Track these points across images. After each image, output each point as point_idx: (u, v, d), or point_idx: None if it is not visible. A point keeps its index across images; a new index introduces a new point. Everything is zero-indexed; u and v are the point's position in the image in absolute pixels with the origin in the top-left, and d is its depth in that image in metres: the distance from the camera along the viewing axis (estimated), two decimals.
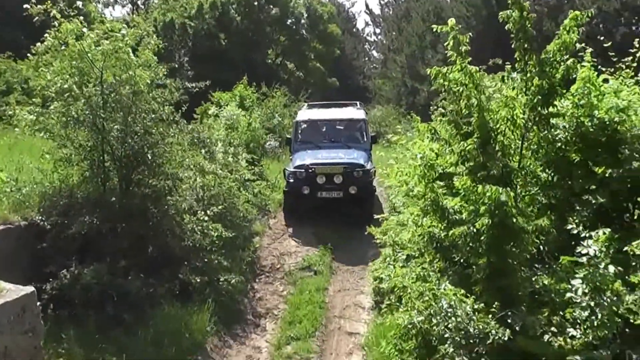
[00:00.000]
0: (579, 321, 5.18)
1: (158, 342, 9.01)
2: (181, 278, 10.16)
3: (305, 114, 17.85)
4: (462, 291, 5.57)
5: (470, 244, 5.83)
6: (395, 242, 8.76)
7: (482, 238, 5.71)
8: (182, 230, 10.58)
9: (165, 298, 9.81)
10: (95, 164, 9.92)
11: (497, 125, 5.93)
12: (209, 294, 10.50)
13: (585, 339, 5.13)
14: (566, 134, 6.40)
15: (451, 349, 5.29)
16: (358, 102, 19.35)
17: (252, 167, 16.06)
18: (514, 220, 5.52)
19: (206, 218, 11.12)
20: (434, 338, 5.75)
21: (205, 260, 10.90)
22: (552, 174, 6.53)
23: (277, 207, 16.89)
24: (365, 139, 16.74)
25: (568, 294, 5.17)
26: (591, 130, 6.45)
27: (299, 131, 17.11)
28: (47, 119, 9.88)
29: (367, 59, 69.79)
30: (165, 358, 8.91)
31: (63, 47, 9.75)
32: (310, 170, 15.02)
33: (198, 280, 10.34)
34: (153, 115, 10.16)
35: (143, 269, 9.63)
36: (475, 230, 5.69)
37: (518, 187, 6.09)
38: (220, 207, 11.80)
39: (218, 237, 11.29)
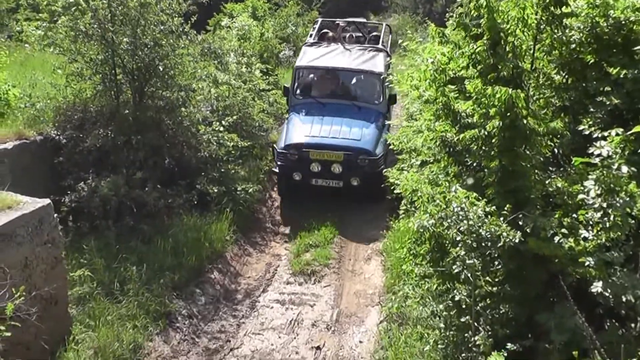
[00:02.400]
0: (591, 223, 5.14)
1: (177, 252, 9.22)
2: (199, 189, 10.31)
3: (309, 55, 13.93)
4: (475, 194, 5.55)
5: (483, 147, 5.75)
6: (410, 148, 8.72)
7: (494, 141, 5.63)
8: (198, 141, 10.63)
9: (184, 208, 9.97)
10: (107, 78, 9.87)
11: (508, 26, 5.73)
12: (227, 204, 10.65)
13: (598, 241, 5.11)
14: (580, 34, 6.19)
15: (462, 252, 5.32)
16: (383, 48, 14.59)
17: (267, 77, 15.74)
18: (525, 121, 5.42)
19: (221, 128, 11.16)
20: (447, 242, 5.78)
21: (222, 170, 11.00)
22: (566, 76, 6.36)
23: None
24: (382, 99, 13.07)
25: (580, 196, 5.11)
26: (606, 30, 6.24)
27: (299, 81, 13.47)
28: (55, 33, 9.84)
29: None
30: (185, 266, 9.13)
31: None
32: (303, 151, 11.88)
33: (215, 190, 10.46)
34: (162, 27, 10.00)
35: (160, 181, 9.76)
36: (486, 133, 5.60)
37: (530, 89, 5.95)
38: (235, 117, 11.80)
39: (234, 147, 11.35)
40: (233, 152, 11.46)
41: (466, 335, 5.50)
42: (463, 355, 5.56)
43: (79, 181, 9.08)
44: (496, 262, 5.72)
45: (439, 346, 5.92)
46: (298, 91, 13.34)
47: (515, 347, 5.30)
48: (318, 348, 8.10)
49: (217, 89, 12.12)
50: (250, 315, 8.91)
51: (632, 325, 5.38)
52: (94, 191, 8.98)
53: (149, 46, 9.80)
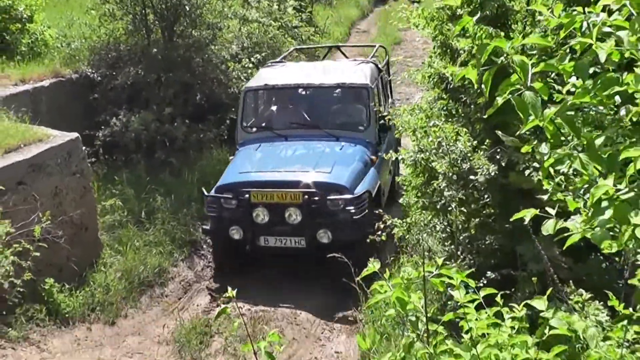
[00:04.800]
0: None
1: (204, 184, 9.71)
2: (228, 124, 10.69)
3: (264, 75, 9.69)
4: (464, 129, 5.79)
5: (477, 84, 5.94)
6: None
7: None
8: (228, 78, 10.98)
9: (214, 143, 10.46)
10: (137, 18, 10.30)
11: None
12: None
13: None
14: None
15: (443, 184, 5.64)
16: (372, 61, 10.20)
17: (300, 14, 15.85)
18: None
19: (250, 65, 11.45)
20: (437, 174, 6.07)
21: None
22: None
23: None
24: (369, 124, 8.84)
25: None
26: None
27: (247, 109, 9.40)
28: None
29: None
30: None
31: None
32: (242, 193, 7.88)
33: None
34: None
35: (190, 117, 10.23)
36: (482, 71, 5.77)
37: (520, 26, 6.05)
38: (264, 54, 12.08)
39: None
40: None
41: (447, 263, 5.83)
42: None
43: (113, 117, 9.65)
44: (485, 195, 5.99)
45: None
46: (248, 122, 9.33)
47: (494, 276, 5.62)
48: None
49: (248, 27, 12.38)
50: None
51: (617, 259, 5.61)
52: (126, 126, 9.54)
53: None
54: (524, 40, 2.32)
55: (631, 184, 1.99)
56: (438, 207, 5.83)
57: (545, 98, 2.35)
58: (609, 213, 2.05)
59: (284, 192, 7.77)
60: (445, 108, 6.58)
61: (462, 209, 5.71)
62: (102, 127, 9.55)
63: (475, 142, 5.67)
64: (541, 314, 2.48)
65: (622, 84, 2.19)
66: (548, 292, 3.02)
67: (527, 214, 2.37)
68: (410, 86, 13.28)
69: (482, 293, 2.84)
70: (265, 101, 9.92)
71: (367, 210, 7.67)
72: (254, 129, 9.24)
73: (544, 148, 2.26)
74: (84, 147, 7.75)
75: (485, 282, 5.50)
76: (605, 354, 3.17)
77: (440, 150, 5.70)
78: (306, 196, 7.67)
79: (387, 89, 10.76)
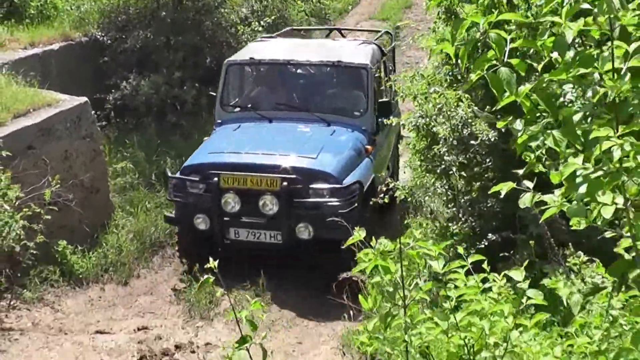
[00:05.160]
0: None
1: None
2: None
3: (252, 49, 8.76)
4: (466, 95, 5.82)
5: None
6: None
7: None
8: (237, 41, 10.97)
9: None
10: None
11: None
12: None
13: None
14: None
15: (444, 149, 5.71)
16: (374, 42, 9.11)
17: None
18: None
19: (260, 28, 11.43)
20: (438, 139, 6.12)
21: None
22: None
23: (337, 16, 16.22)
24: (367, 109, 7.85)
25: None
26: None
27: (228, 85, 8.38)
28: None
29: None
30: None
31: None
32: (210, 176, 6.98)
33: None
34: None
35: (199, 80, 10.26)
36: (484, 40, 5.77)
37: None
38: (273, 17, 12.04)
39: None
40: None
41: (450, 224, 5.93)
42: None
43: (123, 80, 9.73)
44: (487, 160, 6.03)
45: (429, 235, 6.40)
46: (229, 101, 8.36)
47: (495, 238, 5.70)
48: None
49: None
50: None
51: (617, 221, 5.67)
52: (136, 90, 9.63)
53: None
54: (499, 17, 2.34)
55: (597, 163, 2.04)
56: (438, 171, 5.91)
57: (522, 74, 2.38)
58: (584, 188, 2.11)
59: (259, 177, 6.82)
60: (451, 73, 6.59)
61: (462, 173, 5.78)
62: (113, 90, 9.64)
63: (477, 107, 5.70)
64: (517, 285, 2.55)
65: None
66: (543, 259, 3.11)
67: (504, 187, 2.43)
68: (420, 50, 13.17)
69: (471, 260, 2.90)
70: (250, 78, 8.82)
71: (356, 205, 6.74)
72: (236, 109, 8.29)
73: (518, 124, 2.31)
74: (94, 111, 7.87)
75: (486, 243, 5.62)
76: (588, 319, 3.27)
77: (441, 116, 5.75)
78: (285, 183, 6.70)
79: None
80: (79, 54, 9.62)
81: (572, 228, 2.35)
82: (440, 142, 5.75)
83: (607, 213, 2.00)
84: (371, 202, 6.58)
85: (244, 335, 2.26)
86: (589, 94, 2.15)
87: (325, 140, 7.45)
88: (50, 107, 7.30)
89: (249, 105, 8.29)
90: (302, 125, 7.79)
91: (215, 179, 6.86)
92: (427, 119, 5.94)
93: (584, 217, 2.25)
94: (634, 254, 2.25)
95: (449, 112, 5.62)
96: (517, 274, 2.55)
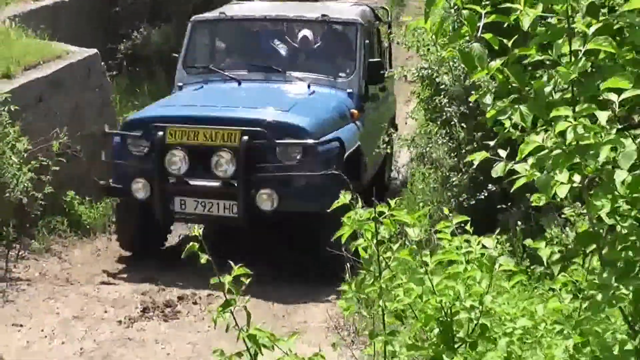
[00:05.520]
0: None
1: None
2: None
3: (224, 8, 7.74)
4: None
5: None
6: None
7: None
8: None
9: None
10: None
11: None
12: None
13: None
14: None
15: (445, 100, 5.76)
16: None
17: None
18: None
19: None
20: (440, 89, 6.13)
21: None
22: None
23: None
24: (354, 69, 6.89)
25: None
26: None
27: (193, 45, 7.37)
28: None
29: None
30: None
31: None
32: (155, 129, 5.82)
33: None
34: None
35: None
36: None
37: None
38: None
39: None
40: None
41: (451, 174, 5.99)
42: (446, 193, 6.12)
43: (134, 30, 9.77)
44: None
45: (431, 185, 6.50)
46: (192, 62, 7.25)
47: (494, 189, 5.76)
48: None
49: None
50: None
51: None
52: (147, 39, 9.67)
53: None
54: None
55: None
56: (439, 122, 5.96)
57: (496, 47, 2.41)
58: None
59: (213, 130, 5.68)
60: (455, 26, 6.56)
61: (463, 124, 5.82)
62: (124, 40, 9.68)
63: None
64: (488, 252, 2.62)
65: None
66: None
67: (477, 157, 2.47)
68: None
69: (455, 220, 2.95)
70: (220, 38, 7.72)
71: (335, 168, 5.55)
72: (200, 70, 7.12)
73: (488, 99, 2.35)
74: (106, 61, 7.93)
75: (486, 194, 5.68)
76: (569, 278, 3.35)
77: (444, 67, 5.77)
78: (245, 137, 5.54)
79: (385, 55, 8.46)
80: (90, 5, 9.64)
81: (533, 204, 2.40)
82: (442, 94, 5.78)
83: (562, 192, 2.06)
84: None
85: (228, 299, 2.36)
86: (544, 78, 2.19)
87: (302, 97, 6.51)
88: (60, 59, 7.37)
89: (215, 66, 7.12)
90: (276, 86, 6.90)
91: (161, 132, 5.72)
92: (430, 70, 5.94)
93: (549, 189, 2.29)
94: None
95: (451, 63, 5.62)
96: (489, 241, 2.62)
